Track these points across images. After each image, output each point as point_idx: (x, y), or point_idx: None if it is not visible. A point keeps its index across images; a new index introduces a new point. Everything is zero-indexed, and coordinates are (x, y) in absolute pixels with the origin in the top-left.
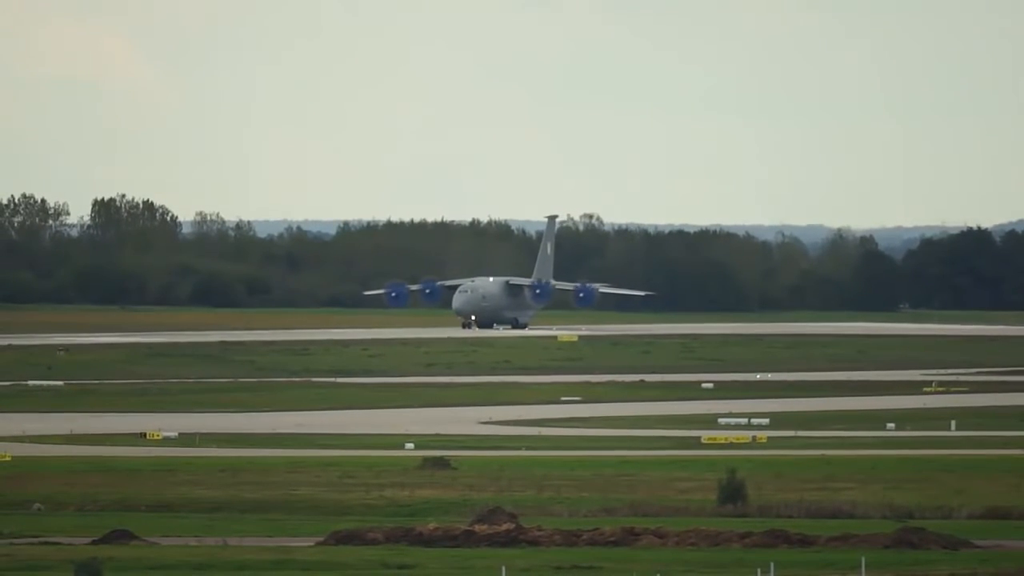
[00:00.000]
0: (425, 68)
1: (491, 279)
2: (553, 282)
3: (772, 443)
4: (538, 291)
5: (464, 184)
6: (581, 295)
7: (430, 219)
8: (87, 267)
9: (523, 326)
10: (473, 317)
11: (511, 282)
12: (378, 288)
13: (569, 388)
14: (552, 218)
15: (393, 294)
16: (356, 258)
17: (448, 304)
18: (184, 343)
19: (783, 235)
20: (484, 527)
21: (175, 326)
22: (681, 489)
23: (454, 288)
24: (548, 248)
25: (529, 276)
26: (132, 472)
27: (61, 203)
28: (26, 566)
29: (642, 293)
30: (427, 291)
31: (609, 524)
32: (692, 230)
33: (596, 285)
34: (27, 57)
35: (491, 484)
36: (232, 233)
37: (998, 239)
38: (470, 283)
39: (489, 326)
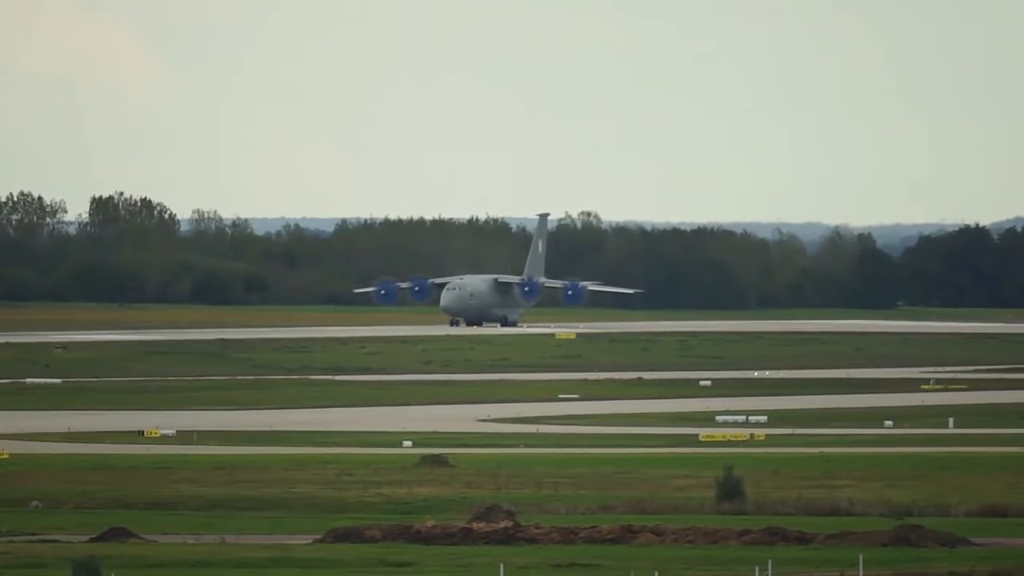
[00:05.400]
0: (423, 65)
1: (479, 277)
2: (542, 280)
3: (770, 441)
4: (527, 289)
5: (462, 182)
6: (569, 293)
7: (428, 217)
8: (85, 265)
9: (512, 324)
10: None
11: (500, 280)
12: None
13: (567, 386)
14: (544, 216)
15: (382, 292)
16: (354, 256)
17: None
18: (182, 340)
19: (781, 233)
20: (482, 525)
21: (173, 324)
22: (679, 487)
23: (443, 286)
24: (540, 246)
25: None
26: (130, 470)
27: (59, 201)
28: (24, 563)
29: (631, 291)
30: (416, 288)
31: (607, 522)
32: (690, 228)
33: (584, 283)
34: (24, 54)
35: (489, 482)
36: (229, 231)
37: (996, 237)
38: (458, 281)
39: (478, 324)
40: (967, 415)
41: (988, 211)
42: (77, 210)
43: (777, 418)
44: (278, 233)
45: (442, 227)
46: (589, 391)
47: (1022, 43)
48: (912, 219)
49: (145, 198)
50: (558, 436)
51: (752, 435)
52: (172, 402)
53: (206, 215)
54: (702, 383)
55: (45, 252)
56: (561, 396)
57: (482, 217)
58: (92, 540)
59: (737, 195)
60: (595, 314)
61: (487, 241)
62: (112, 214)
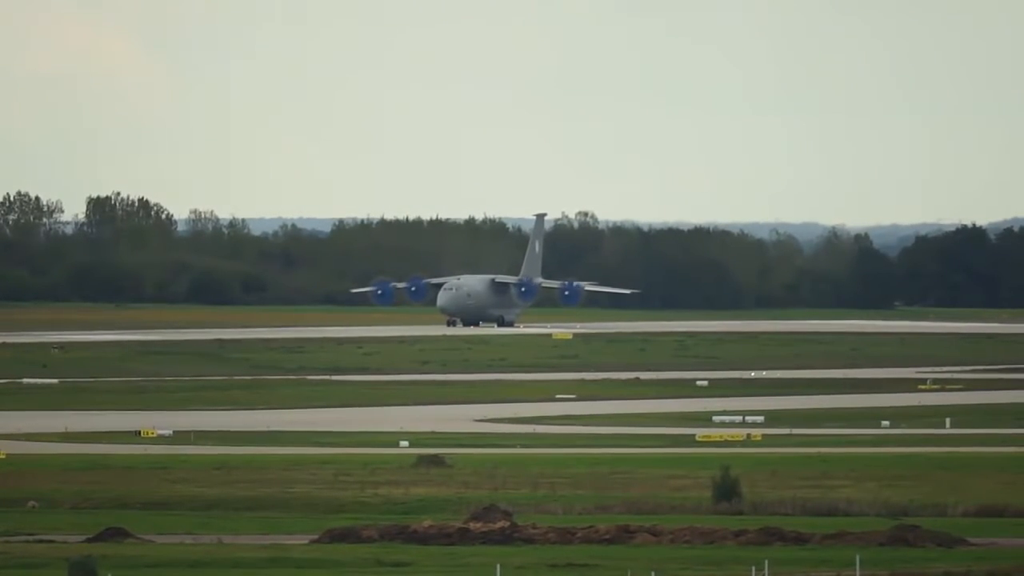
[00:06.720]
0: (420, 65)
1: (476, 277)
2: (539, 280)
3: (767, 441)
4: (523, 289)
5: (459, 182)
6: (566, 293)
7: (425, 217)
8: (82, 265)
9: (509, 324)
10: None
11: (497, 280)
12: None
13: (564, 386)
14: (540, 216)
15: (379, 292)
16: (351, 256)
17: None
18: (179, 341)
19: (778, 233)
20: (479, 525)
21: (170, 324)
22: (676, 487)
23: (440, 286)
24: (536, 246)
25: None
26: (127, 470)
27: (55, 201)
28: (21, 564)
29: (628, 291)
30: (413, 288)
31: (604, 522)
32: (687, 228)
33: (582, 283)
34: (21, 55)
35: (486, 482)
36: (227, 231)
37: (993, 237)
38: (455, 281)
39: (475, 324)
40: (964, 415)
41: (985, 211)
42: (74, 210)
43: (774, 418)
44: (275, 233)
45: (439, 227)
46: (586, 391)
47: (1021, 43)
48: (909, 219)
49: (142, 198)
50: (555, 436)
51: (749, 435)
52: (169, 402)
53: (203, 215)
54: (699, 383)
55: (42, 252)
56: (558, 396)
57: (479, 217)
58: (89, 540)
59: (734, 195)
60: (592, 314)
61: (484, 241)
62: (109, 214)
